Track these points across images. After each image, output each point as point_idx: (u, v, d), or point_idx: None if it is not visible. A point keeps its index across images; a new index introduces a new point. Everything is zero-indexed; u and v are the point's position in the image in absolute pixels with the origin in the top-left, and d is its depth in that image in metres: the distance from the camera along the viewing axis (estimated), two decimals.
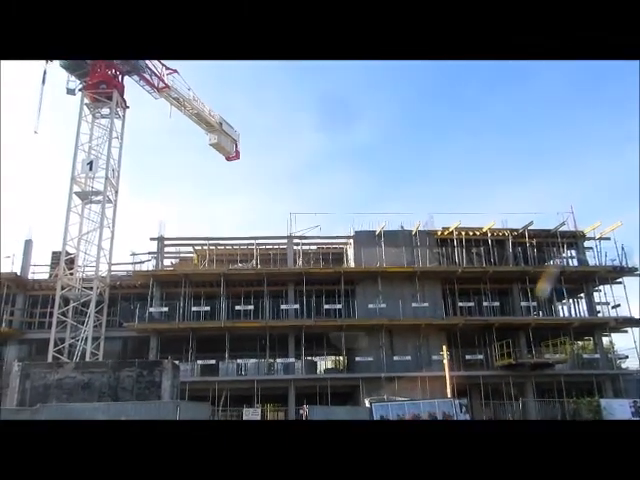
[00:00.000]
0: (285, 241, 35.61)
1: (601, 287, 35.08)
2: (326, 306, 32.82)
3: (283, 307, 33.00)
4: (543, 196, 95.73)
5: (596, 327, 33.87)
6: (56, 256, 32.28)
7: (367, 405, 21.05)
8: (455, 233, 34.46)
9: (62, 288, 28.96)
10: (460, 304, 33.56)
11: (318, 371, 35.71)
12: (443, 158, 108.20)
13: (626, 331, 34.51)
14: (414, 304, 32.42)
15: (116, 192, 31.92)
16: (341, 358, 36.98)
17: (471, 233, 35.12)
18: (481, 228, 34.94)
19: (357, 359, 31.70)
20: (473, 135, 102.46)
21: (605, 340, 35.18)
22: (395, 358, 31.26)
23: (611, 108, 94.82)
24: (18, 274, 32.42)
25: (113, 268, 32.97)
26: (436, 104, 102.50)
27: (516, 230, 35.09)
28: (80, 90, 31.14)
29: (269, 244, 36.79)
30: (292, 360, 31.60)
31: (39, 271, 35.02)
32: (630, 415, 25.11)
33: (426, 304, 32.53)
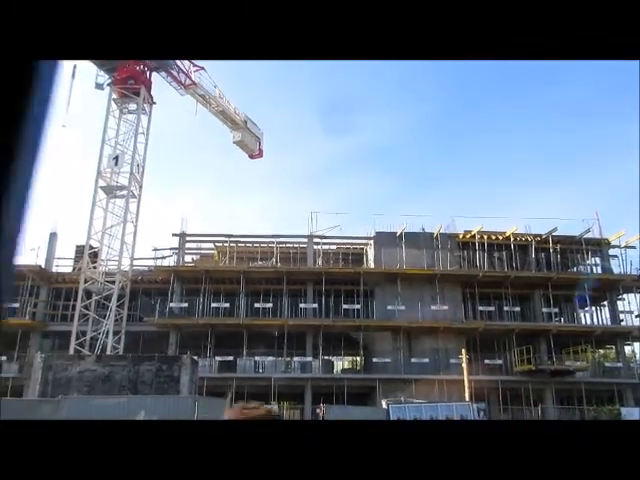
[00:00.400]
0: (305, 240, 35.70)
1: (625, 295, 34.53)
2: (345, 306, 32.84)
3: (302, 306, 33.09)
4: (568, 202, 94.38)
5: (619, 336, 33.32)
6: (80, 250, 32.79)
7: (384, 406, 21.00)
8: (477, 237, 34.14)
9: (85, 281, 29.40)
10: (480, 308, 33.27)
11: (335, 371, 35.76)
12: (464, 160, 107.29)
13: None
14: (433, 307, 32.23)
15: (140, 187, 32.30)
16: (358, 358, 36.96)
17: (493, 237, 34.79)
18: (504, 232, 34.58)
19: (374, 360, 31.63)
20: (494, 136, 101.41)
21: (627, 349, 34.62)
22: (413, 360, 31.13)
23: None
24: (42, 267, 33.01)
25: (135, 263, 33.40)
26: (457, 105, 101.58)
27: (539, 235, 34.65)
28: (108, 85, 31.58)
29: (289, 243, 36.92)
30: (309, 359, 31.67)
31: (63, 264, 35.64)
32: None
33: (446, 307, 32.32)
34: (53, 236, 34.56)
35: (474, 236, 34.11)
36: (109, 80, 31.58)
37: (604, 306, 36.04)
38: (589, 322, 36.09)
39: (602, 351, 37.99)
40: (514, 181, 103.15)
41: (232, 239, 35.79)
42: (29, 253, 32.67)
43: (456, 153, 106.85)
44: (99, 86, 31.62)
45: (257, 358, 32.57)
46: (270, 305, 32.56)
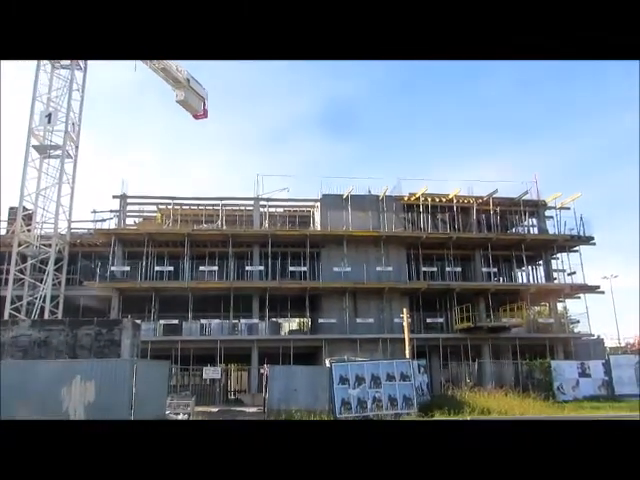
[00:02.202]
0: (252, 203, 35.27)
1: (559, 255, 36.23)
2: (291, 268, 32.94)
3: (248, 268, 32.97)
4: (514, 166, 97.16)
5: (552, 293, 35.07)
6: (13, 212, 31.22)
7: (327, 365, 21.40)
8: (421, 199, 34.69)
9: (19, 245, 28.15)
10: (423, 269, 34.13)
11: (283, 332, 36.10)
12: (418, 126, 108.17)
13: (579, 297, 35.84)
14: (379, 268, 32.79)
15: (76, 147, 30.87)
16: (305, 320, 37.38)
17: (437, 199, 35.44)
18: (447, 195, 35.28)
19: (321, 321, 32.09)
20: (448, 107, 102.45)
21: (560, 306, 36.55)
22: (358, 320, 31.77)
23: (582, 81, 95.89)
24: None
25: (74, 226, 32.20)
26: (413, 71, 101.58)
27: (481, 198, 35.55)
28: None
29: (235, 205, 36.39)
30: (256, 321, 31.77)
31: None
32: (577, 376, 26.39)
33: (390, 268, 32.95)
34: None
35: (418, 198, 34.64)
36: None
37: (539, 265, 37.73)
38: (525, 281, 37.76)
39: (537, 308, 39.94)
40: (469, 146, 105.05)
41: (175, 201, 34.92)
42: None
43: (411, 119, 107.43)
44: None
45: (203, 321, 32.40)
46: (216, 268, 32.25)
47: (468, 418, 4.52)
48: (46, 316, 26.85)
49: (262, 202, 35.08)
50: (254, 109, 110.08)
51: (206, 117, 38.70)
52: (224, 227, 33.59)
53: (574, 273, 34.83)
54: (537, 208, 36.80)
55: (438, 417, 13.30)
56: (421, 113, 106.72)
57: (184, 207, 35.70)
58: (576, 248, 35.83)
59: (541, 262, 37.12)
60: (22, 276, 27.98)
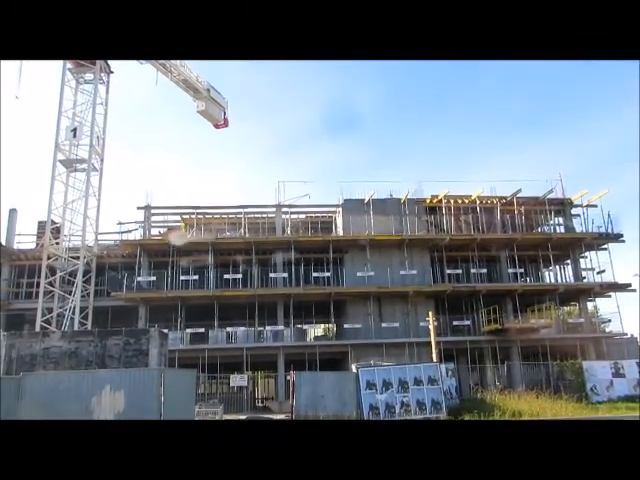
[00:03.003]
0: (274, 210, 35.43)
1: (587, 253, 35.50)
2: (315, 274, 32.92)
3: (272, 275, 33.06)
4: (533, 164, 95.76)
5: (581, 292, 34.37)
6: (42, 225, 31.93)
7: (354, 370, 21.28)
8: (444, 201, 34.42)
9: (48, 258, 28.75)
10: (448, 271, 33.77)
11: (309, 339, 36.09)
12: (436, 128, 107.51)
13: (610, 296, 35.03)
14: (402, 272, 32.59)
15: (101, 160, 31.44)
16: (330, 326, 37.30)
17: (460, 201, 35.11)
18: (470, 196, 34.92)
19: (346, 326, 32.00)
20: (465, 104, 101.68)
21: (590, 305, 35.77)
22: (383, 325, 31.60)
23: (604, 76, 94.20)
24: (3, 244, 32.08)
25: (100, 237, 32.73)
26: (429, 74, 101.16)
27: (504, 198, 35.12)
28: None
29: (257, 213, 36.62)
30: (281, 328, 31.83)
31: (25, 241, 34.70)
32: (610, 376, 25.73)
33: (414, 272, 32.71)
34: (13, 212, 33.51)
35: (441, 200, 34.37)
36: None
37: (567, 264, 37.03)
38: (553, 281, 37.07)
39: (566, 308, 39.18)
40: (483, 145, 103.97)
41: (199, 211, 35.29)
42: None
43: (428, 122, 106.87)
44: None
45: (229, 329, 32.61)
46: (240, 276, 32.42)
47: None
48: (76, 327, 27.31)
49: (284, 209, 35.23)
50: (270, 116, 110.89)
51: (227, 126, 39.06)
52: (247, 235, 33.80)
53: (603, 271, 34.12)
54: (563, 206, 36.16)
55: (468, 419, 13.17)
56: (435, 115, 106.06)
57: (207, 216, 36.05)
58: (605, 246, 35.12)
59: (569, 261, 36.46)
60: (52, 288, 28.52)
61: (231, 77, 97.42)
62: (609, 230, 34.26)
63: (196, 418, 18.50)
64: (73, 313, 28.05)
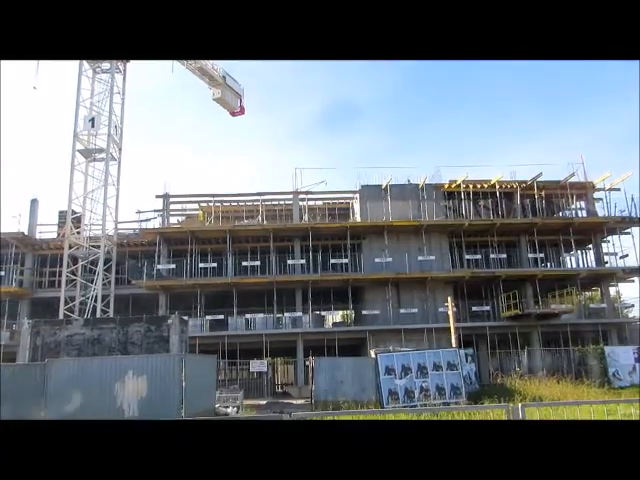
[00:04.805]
0: (291, 197, 35.44)
1: (609, 238, 34.87)
2: (332, 261, 32.91)
3: (290, 262, 33.16)
4: (554, 147, 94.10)
5: (603, 277, 33.84)
6: (63, 215, 32.37)
7: (373, 356, 21.30)
8: (462, 186, 34.01)
9: (70, 247, 29.18)
10: (467, 257, 33.46)
11: (326, 325, 36.21)
12: (456, 112, 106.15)
13: (633, 281, 34.48)
14: (420, 257, 32.41)
15: (120, 149, 31.67)
16: (348, 312, 37.36)
17: (479, 186, 34.67)
18: (489, 180, 34.45)
19: (364, 312, 32.01)
20: (483, 88, 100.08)
21: (612, 290, 35.21)
22: (402, 311, 31.54)
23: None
24: (25, 233, 32.64)
25: (120, 226, 33.15)
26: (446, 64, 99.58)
27: (524, 182, 34.57)
28: None
29: (275, 200, 36.68)
30: (299, 314, 31.98)
31: (46, 230, 35.29)
32: (633, 361, 25.40)
33: (433, 257, 32.50)
34: (34, 202, 34.05)
35: (459, 185, 33.98)
36: None
37: (589, 249, 36.44)
38: (574, 266, 36.55)
39: (588, 293, 38.64)
40: (503, 129, 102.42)
41: (217, 198, 35.46)
42: (11, 220, 32.27)
43: (446, 107, 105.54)
44: None
45: (248, 316, 32.87)
46: (258, 263, 32.57)
47: (519, 405, 4.39)
48: (98, 315, 27.76)
49: (301, 196, 35.20)
50: (288, 103, 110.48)
51: (243, 114, 39.00)
52: (264, 222, 33.89)
53: (626, 256, 33.49)
54: (585, 190, 35.45)
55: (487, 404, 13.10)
56: (452, 101, 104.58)
57: (225, 204, 36.21)
58: (628, 230, 34.44)
59: (591, 246, 35.86)
60: (74, 277, 28.98)
61: (248, 64, 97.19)
62: (632, 214, 33.53)
63: (217, 404, 18.73)
64: (95, 301, 28.50)
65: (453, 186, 34.26)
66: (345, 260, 32.73)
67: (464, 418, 8.11)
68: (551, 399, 16.96)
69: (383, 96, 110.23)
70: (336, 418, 7.51)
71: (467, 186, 34.19)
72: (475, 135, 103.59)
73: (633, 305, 34.67)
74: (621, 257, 33.73)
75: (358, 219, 33.93)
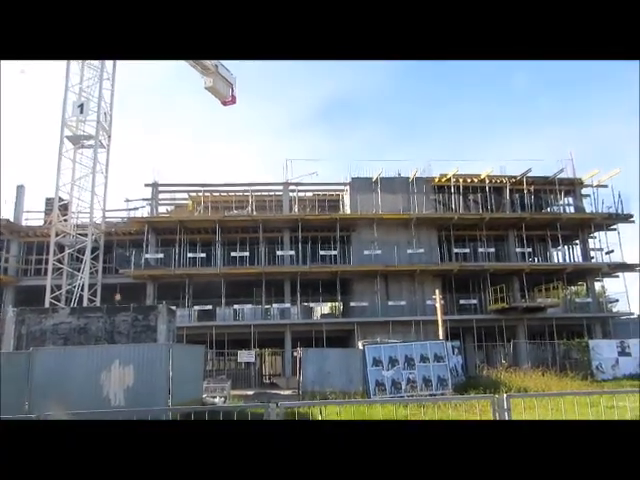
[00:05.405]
0: (281, 188, 35.33)
1: (596, 234, 35.25)
2: (322, 252, 32.94)
3: (279, 253, 33.13)
4: (543, 144, 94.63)
5: (589, 272, 34.24)
6: (50, 202, 31.98)
7: (360, 347, 21.40)
8: (452, 180, 34.13)
9: (56, 234, 28.86)
10: (455, 250, 33.64)
11: (315, 317, 36.26)
12: (447, 107, 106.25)
13: (618, 276, 34.90)
14: (409, 250, 32.52)
15: (109, 137, 31.25)
16: (337, 304, 37.46)
17: (469, 180, 34.84)
18: (479, 175, 34.60)
19: (352, 304, 32.11)
20: (475, 85, 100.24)
21: (597, 285, 35.64)
22: (390, 303, 31.68)
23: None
24: (11, 220, 32.22)
25: (108, 214, 32.80)
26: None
27: (514, 177, 34.77)
28: None
29: (265, 191, 36.54)
30: (288, 305, 31.99)
31: (33, 217, 34.87)
32: (616, 355, 25.79)
33: (421, 250, 32.64)
34: (20, 188, 33.59)
35: (449, 179, 34.09)
36: None
37: (576, 244, 36.82)
38: (561, 260, 36.92)
39: (574, 288, 39.07)
40: (494, 124, 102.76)
41: (206, 188, 35.25)
42: None
43: (439, 100, 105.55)
44: None
45: (236, 306, 32.77)
46: (247, 254, 32.49)
47: (504, 396, 4.44)
48: (85, 304, 27.54)
49: (291, 187, 35.12)
50: (279, 95, 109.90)
51: (234, 103, 38.63)
52: (254, 213, 33.77)
53: (612, 252, 33.93)
54: (573, 186, 35.80)
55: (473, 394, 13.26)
56: (447, 95, 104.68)
57: (214, 194, 36.01)
58: (614, 226, 34.81)
59: (578, 241, 36.27)
60: (60, 265, 28.70)
61: None
62: (619, 210, 33.92)
63: (204, 394, 18.71)
64: (82, 290, 28.26)
65: (443, 180, 34.37)
66: (334, 252, 32.77)
67: (450, 409, 8.18)
68: (536, 391, 17.16)
69: (380, 89, 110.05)
70: (323, 408, 7.52)
71: (457, 180, 34.32)
72: (471, 130, 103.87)
73: (617, 300, 35.11)
74: (607, 253, 34.19)
75: (348, 211, 33.94)
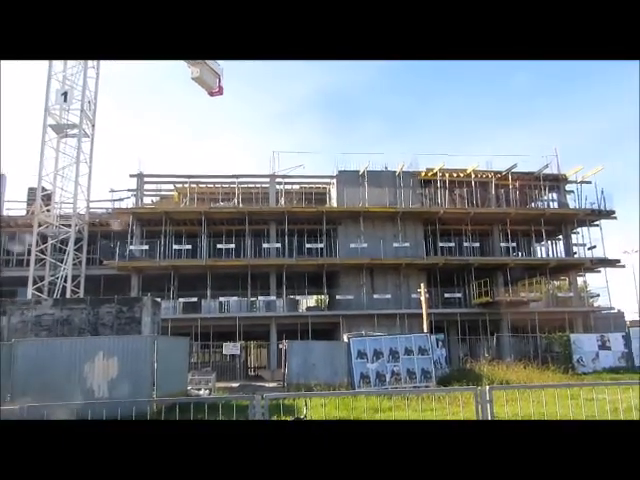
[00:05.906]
0: (268, 180, 35.20)
1: (579, 229, 35.73)
2: (308, 245, 32.97)
3: (265, 246, 33.08)
4: (528, 140, 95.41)
5: (572, 267, 34.72)
6: (32, 192, 31.53)
7: (345, 340, 21.49)
8: (439, 175, 34.31)
9: (39, 225, 28.47)
10: (441, 244, 33.91)
11: (300, 309, 36.31)
12: (436, 103, 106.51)
13: (599, 271, 35.43)
14: (395, 244, 32.67)
15: (93, 126, 30.81)
16: (322, 297, 37.54)
17: (455, 175, 35.04)
18: (465, 170, 34.81)
19: (338, 297, 32.21)
20: (464, 81, 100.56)
21: (580, 280, 36.17)
22: (375, 296, 31.83)
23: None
24: None
25: (92, 205, 32.43)
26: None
27: (499, 172, 35.03)
28: None
29: (251, 182, 36.37)
30: (274, 298, 31.98)
31: (14, 207, 34.38)
32: (597, 348, 26.22)
33: (407, 244, 32.81)
34: (2, 178, 33.06)
35: (436, 174, 34.27)
36: None
37: (559, 240, 37.28)
38: (544, 255, 37.37)
39: (556, 282, 39.59)
40: (480, 121, 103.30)
41: (192, 179, 34.98)
42: None
43: (434, 95, 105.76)
44: None
45: (222, 299, 32.71)
46: (233, 246, 32.39)
47: (487, 388, 4.50)
48: (68, 296, 27.25)
49: (278, 179, 34.99)
50: (270, 86, 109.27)
51: (221, 94, 38.19)
52: (240, 205, 33.63)
53: (594, 247, 34.44)
54: (557, 182, 36.22)
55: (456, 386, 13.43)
56: (430, 92, 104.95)
57: (201, 185, 35.77)
58: (597, 222, 35.30)
59: (561, 237, 36.73)
60: (43, 256, 28.33)
61: None
62: (602, 207, 34.43)
63: (189, 386, 18.67)
64: (65, 281, 27.94)
65: (430, 174, 34.53)
66: (320, 245, 32.81)
67: (433, 401, 8.27)
68: (518, 383, 17.40)
69: (375, 83, 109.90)
70: (308, 399, 7.54)
71: (443, 175, 34.50)
72: (465, 126, 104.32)
73: (599, 295, 35.65)
74: (589, 248, 34.71)
75: (335, 204, 33.95)
